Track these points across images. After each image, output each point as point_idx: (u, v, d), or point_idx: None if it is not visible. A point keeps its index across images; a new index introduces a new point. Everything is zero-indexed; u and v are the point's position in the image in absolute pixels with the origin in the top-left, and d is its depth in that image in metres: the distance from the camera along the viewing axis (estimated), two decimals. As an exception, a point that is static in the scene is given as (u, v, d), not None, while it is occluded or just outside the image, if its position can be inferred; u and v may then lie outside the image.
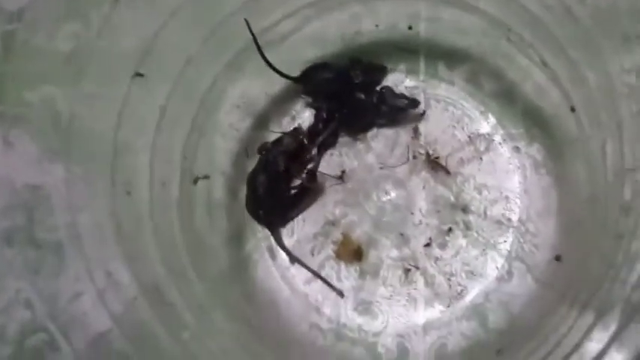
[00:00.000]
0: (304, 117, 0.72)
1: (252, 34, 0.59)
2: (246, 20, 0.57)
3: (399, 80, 0.71)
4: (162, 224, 0.56)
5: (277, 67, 0.66)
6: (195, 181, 0.65)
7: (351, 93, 0.67)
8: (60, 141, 0.48)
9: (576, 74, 0.55)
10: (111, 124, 0.50)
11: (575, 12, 0.51)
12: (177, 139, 0.59)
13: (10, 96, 0.48)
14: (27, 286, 0.47)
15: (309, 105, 0.70)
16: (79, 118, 0.50)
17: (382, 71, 0.69)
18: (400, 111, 0.68)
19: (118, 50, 0.50)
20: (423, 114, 0.69)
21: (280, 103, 0.72)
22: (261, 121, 0.71)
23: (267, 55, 0.64)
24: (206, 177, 0.67)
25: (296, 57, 0.69)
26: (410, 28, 0.67)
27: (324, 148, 0.70)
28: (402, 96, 0.68)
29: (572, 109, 0.57)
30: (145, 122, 0.54)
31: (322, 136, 0.69)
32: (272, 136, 0.71)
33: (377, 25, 0.67)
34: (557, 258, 0.60)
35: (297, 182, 0.70)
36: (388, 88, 0.69)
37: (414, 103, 0.68)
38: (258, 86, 0.69)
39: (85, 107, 0.48)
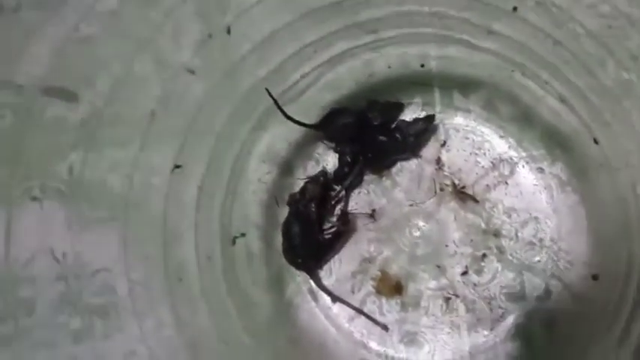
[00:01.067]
0: (328, 159, 0.73)
1: (274, 100, 0.61)
2: (267, 89, 0.59)
3: (416, 113, 0.72)
4: (213, 298, 0.58)
5: (296, 115, 0.67)
6: (234, 241, 0.67)
7: (371, 135, 0.68)
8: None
9: (599, 118, 0.56)
10: (159, 219, 0.52)
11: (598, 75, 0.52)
12: (215, 211, 0.61)
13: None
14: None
15: (333, 150, 0.71)
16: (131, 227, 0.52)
17: (399, 108, 0.71)
18: (421, 134, 0.69)
19: (156, 156, 0.52)
20: (443, 144, 0.71)
21: (303, 149, 0.73)
22: (287, 169, 0.73)
23: (286, 107, 0.66)
24: (242, 235, 0.69)
25: (314, 104, 0.70)
26: (422, 66, 0.68)
27: (351, 188, 0.72)
28: (417, 119, 0.70)
29: (596, 142, 0.59)
30: (187, 205, 0.56)
31: (349, 179, 0.70)
32: (298, 184, 0.73)
33: (389, 67, 0.68)
34: (595, 277, 0.62)
35: (329, 224, 0.71)
36: (402, 121, 0.70)
37: (430, 118, 0.69)
38: (281, 138, 0.71)
39: (136, 212, 0.50)
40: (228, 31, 0.53)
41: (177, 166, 0.54)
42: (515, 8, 0.54)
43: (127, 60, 0.51)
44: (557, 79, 0.59)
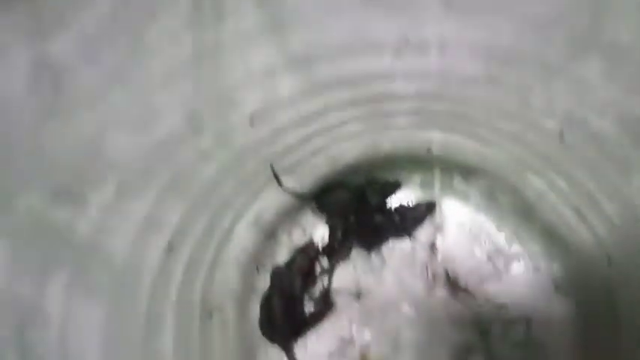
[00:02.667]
0: (316, 230, 0.70)
1: (276, 176, 0.57)
2: (271, 165, 0.55)
3: (414, 194, 0.69)
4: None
5: (291, 183, 0.63)
6: (211, 314, 0.62)
7: (367, 213, 0.65)
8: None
9: (617, 237, 0.54)
10: (143, 307, 0.47)
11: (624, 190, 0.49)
12: (197, 287, 0.56)
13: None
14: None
15: (325, 221, 0.68)
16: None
17: (396, 186, 0.68)
18: (420, 221, 0.67)
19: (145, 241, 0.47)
20: (439, 229, 0.68)
21: (290, 215, 0.69)
22: (271, 234, 0.69)
23: (282, 176, 0.62)
24: (220, 309, 0.64)
25: (310, 174, 0.66)
26: (429, 150, 0.65)
27: (337, 262, 0.68)
28: (417, 206, 0.68)
29: (609, 263, 0.57)
30: (170, 289, 0.51)
31: (338, 256, 0.66)
32: (282, 249, 0.68)
33: (394, 147, 0.65)
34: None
35: (310, 300, 0.67)
36: (401, 206, 0.67)
37: (431, 207, 0.67)
38: (271, 205, 0.67)
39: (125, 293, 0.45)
40: (251, 123, 0.48)
41: (170, 249, 0.49)
42: (561, 135, 0.51)
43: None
44: (574, 190, 0.57)
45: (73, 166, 0.41)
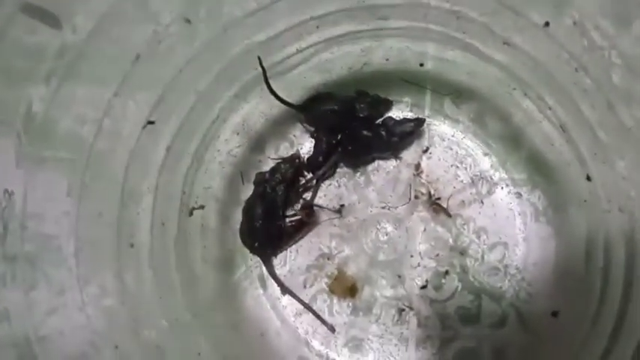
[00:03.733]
0: (303, 143, 0.69)
1: (263, 70, 0.56)
2: (259, 57, 0.54)
3: (404, 113, 0.68)
4: (161, 268, 0.53)
5: (281, 92, 0.63)
6: (191, 212, 0.63)
7: (354, 127, 0.65)
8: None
9: (602, 155, 0.54)
10: (119, 177, 0.47)
11: (619, 112, 0.49)
12: (178, 175, 0.57)
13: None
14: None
15: (310, 135, 0.67)
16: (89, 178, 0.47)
17: (387, 105, 0.67)
18: (407, 136, 0.66)
19: (131, 104, 0.46)
20: (425, 151, 0.68)
21: (279, 127, 0.69)
22: (258, 145, 0.69)
23: (272, 81, 0.61)
24: (201, 207, 0.64)
25: (300, 83, 0.66)
26: (421, 65, 0.65)
27: (322, 178, 0.68)
28: (405, 120, 0.66)
29: (588, 178, 0.57)
30: (151, 165, 0.51)
31: (322, 169, 0.66)
32: (268, 163, 0.68)
33: (387, 60, 0.64)
34: (554, 314, 0.61)
35: (293, 212, 0.68)
36: (389, 118, 0.67)
37: (419, 122, 0.66)
38: (259, 111, 0.67)
39: (97, 163, 0.45)
40: None
41: (151, 122, 0.49)
42: (547, 23, 0.50)
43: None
44: (563, 106, 0.57)
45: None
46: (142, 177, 0.51)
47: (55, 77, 0.43)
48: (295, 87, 0.65)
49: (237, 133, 0.65)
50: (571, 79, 0.52)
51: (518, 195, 0.66)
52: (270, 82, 0.60)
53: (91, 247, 0.45)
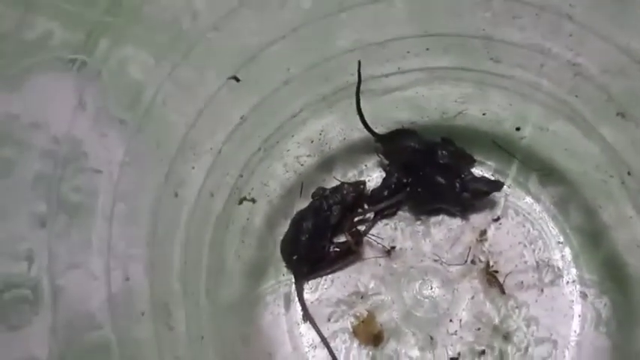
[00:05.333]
0: (372, 175, 0.67)
1: (359, 77, 0.55)
2: (359, 62, 0.53)
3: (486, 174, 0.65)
4: (195, 237, 0.51)
5: (367, 118, 0.61)
6: (241, 201, 0.61)
7: (430, 171, 0.61)
8: (133, 116, 0.44)
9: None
10: (188, 119, 0.46)
11: None
12: (242, 154, 0.55)
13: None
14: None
15: (382, 168, 0.65)
16: (158, 105, 0.46)
17: (470, 162, 0.64)
18: (481, 195, 0.62)
19: (225, 46, 0.45)
20: (496, 219, 0.63)
21: (353, 152, 0.67)
22: (328, 163, 0.67)
23: (363, 101, 0.60)
24: (253, 200, 0.62)
25: (390, 113, 0.64)
26: (518, 129, 0.61)
27: (381, 215, 0.65)
28: (484, 179, 0.63)
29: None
30: (220, 127, 0.50)
31: (384, 203, 0.63)
32: (333, 184, 0.66)
33: (484, 114, 0.62)
34: None
35: (340, 238, 0.64)
36: (469, 172, 0.63)
37: (498, 185, 0.62)
38: (339, 128, 0.65)
39: (171, 94, 0.44)
40: None
41: (236, 78, 0.48)
42: None
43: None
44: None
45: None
46: (209, 134, 0.49)
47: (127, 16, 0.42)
48: (383, 116, 0.64)
49: (312, 142, 0.64)
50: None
51: (583, 295, 0.60)
52: (361, 98, 0.58)
53: (135, 172, 0.43)
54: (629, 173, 0.55)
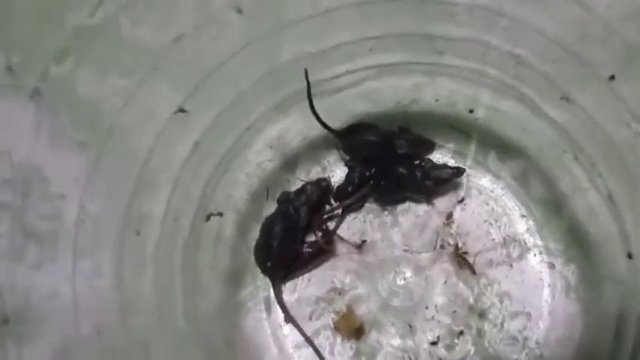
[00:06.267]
0: (335, 171, 0.67)
1: (308, 83, 0.55)
2: (305, 70, 0.53)
3: (445, 159, 0.66)
4: (165, 266, 0.51)
5: (322, 114, 0.61)
6: (208, 217, 0.61)
7: (391, 163, 0.62)
8: (92, 138, 0.44)
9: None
10: (140, 158, 0.45)
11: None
12: (202, 174, 0.55)
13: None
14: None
15: (344, 163, 0.65)
16: (116, 127, 0.46)
17: (429, 147, 0.64)
18: (443, 182, 0.63)
19: (165, 85, 0.45)
20: (461, 201, 0.64)
21: (314, 150, 0.67)
22: (290, 165, 0.67)
23: (315, 100, 0.60)
24: (220, 214, 0.62)
25: (345, 108, 0.64)
26: (471, 111, 0.62)
27: (348, 210, 0.66)
28: (445, 166, 0.64)
29: (630, 256, 0.52)
30: (175, 157, 0.50)
31: (350, 199, 0.64)
32: (298, 184, 0.66)
33: (436, 100, 0.62)
34: (570, 399, 0.56)
35: (311, 238, 0.65)
36: (429, 161, 0.64)
37: (459, 171, 0.63)
38: (297, 129, 0.65)
39: (118, 140, 0.43)
40: None
41: (182, 110, 0.48)
42: (612, 77, 0.47)
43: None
44: (615, 175, 0.53)
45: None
46: (164, 165, 0.49)
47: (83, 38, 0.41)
48: (338, 111, 0.63)
49: (271, 147, 0.63)
50: (629, 144, 0.49)
51: (551, 266, 0.62)
52: (314, 100, 0.58)
53: (94, 221, 0.43)
54: (581, 150, 0.56)
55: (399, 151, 0.63)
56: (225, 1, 0.45)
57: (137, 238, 0.48)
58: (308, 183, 0.64)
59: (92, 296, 0.43)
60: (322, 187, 0.63)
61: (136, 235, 0.48)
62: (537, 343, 0.60)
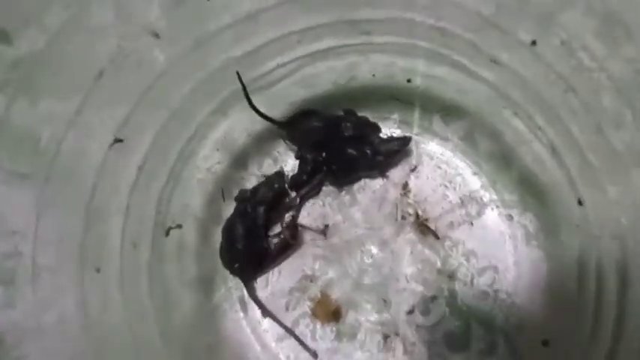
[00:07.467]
0: (287, 160, 0.67)
1: (243, 85, 0.54)
2: (237, 73, 0.52)
3: (391, 130, 0.66)
4: (131, 293, 0.50)
5: (263, 108, 0.61)
6: (168, 232, 0.60)
7: (339, 145, 0.62)
8: (35, 169, 0.43)
9: (593, 180, 0.51)
10: (85, 195, 0.44)
11: (609, 135, 0.47)
12: (152, 194, 0.54)
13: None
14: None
15: (294, 155, 0.65)
16: (58, 157, 0.44)
17: (374, 128, 0.65)
18: (393, 155, 0.64)
19: (96, 121, 0.43)
20: (413, 169, 0.65)
21: (262, 144, 0.67)
22: (241, 162, 0.67)
23: (254, 96, 0.59)
24: (179, 226, 0.62)
25: (284, 98, 0.64)
26: (409, 81, 0.62)
27: (306, 197, 0.66)
28: (392, 138, 0.64)
29: (580, 203, 0.54)
30: (120, 185, 0.49)
31: (305, 188, 0.64)
32: (250, 180, 0.66)
33: (373, 75, 0.62)
34: (545, 343, 0.58)
35: (275, 231, 0.65)
36: (376, 136, 0.64)
37: (405, 140, 0.63)
38: (241, 126, 0.64)
39: (59, 180, 0.42)
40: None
41: (118, 140, 0.46)
42: (534, 42, 0.48)
43: (85, 3, 0.42)
44: (553, 127, 0.54)
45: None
46: (111, 197, 0.48)
47: (9, 88, 0.40)
48: (278, 102, 0.63)
49: (218, 150, 0.63)
50: (560, 100, 0.50)
51: (509, 217, 0.64)
52: (252, 97, 0.58)
53: (49, 272, 0.42)
54: (517, 106, 0.57)
55: (346, 134, 0.62)
56: (140, 29, 0.43)
57: (98, 276, 0.47)
58: (260, 184, 0.64)
59: (60, 340, 0.42)
60: (275, 187, 0.63)
61: (97, 272, 0.47)
62: (507, 293, 0.62)
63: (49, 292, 0.42)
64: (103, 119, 0.45)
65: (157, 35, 0.45)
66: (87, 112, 0.43)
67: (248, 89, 0.56)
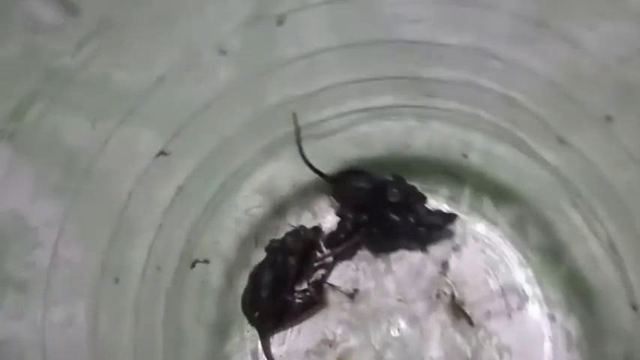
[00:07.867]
0: (326, 217, 0.65)
1: (297, 129, 0.53)
2: (294, 115, 0.51)
3: (439, 206, 0.64)
4: (145, 317, 0.48)
5: (312, 160, 0.60)
6: (194, 264, 0.59)
7: (383, 210, 0.60)
8: (70, 184, 0.42)
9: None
10: (119, 202, 0.43)
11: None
12: (187, 220, 0.53)
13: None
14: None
15: (335, 212, 0.63)
16: (95, 173, 0.44)
17: (421, 200, 0.63)
18: (436, 230, 0.61)
19: (146, 128, 0.43)
20: (456, 248, 0.62)
21: (304, 196, 0.65)
22: (280, 211, 0.65)
23: (305, 146, 0.58)
24: (206, 261, 0.60)
25: (335, 153, 0.63)
26: (465, 156, 0.61)
27: (340, 258, 0.63)
28: (437, 212, 0.62)
29: (634, 308, 0.50)
30: (157, 202, 0.48)
31: (341, 247, 0.62)
32: (286, 230, 0.64)
33: (429, 145, 0.61)
34: None
35: (301, 287, 0.62)
36: (422, 207, 0.62)
37: (451, 217, 0.61)
38: (286, 174, 0.63)
39: (96, 184, 0.42)
40: (280, 22, 0.45)
41: (164, 153, 0.46)
42: (609, 118, 0.46)
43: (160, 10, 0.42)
44: (616, 221, 0.51)
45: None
46: (145, 210, 0.47)
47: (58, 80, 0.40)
48: (328, 156, 0.62)
49: (260, 193, 0.62)
50: (629, 189, 0.47)
51: (552, 317, 0.59)
52: (303, 144, 0.57)
53: (68, 266, 0.41)
54: (579, 196, 0.54)
55: (391, 199, 0.61)
56: (209, 43, 0.44)
57: (115, 287, 0.45)
58: (287, 234, 0.62)
59: (63, 349, 0.40)
60: (301, 237, 0.61)
61: (115, 282, 0.45)
62: (539, 401, 0.57)
63: (61, 298, 0.41)
64: (154, 128, 0.45)
65: (224, 52, 0.45)
66: (135, 119, 0.43)
67: (300, 136, 0.56)
